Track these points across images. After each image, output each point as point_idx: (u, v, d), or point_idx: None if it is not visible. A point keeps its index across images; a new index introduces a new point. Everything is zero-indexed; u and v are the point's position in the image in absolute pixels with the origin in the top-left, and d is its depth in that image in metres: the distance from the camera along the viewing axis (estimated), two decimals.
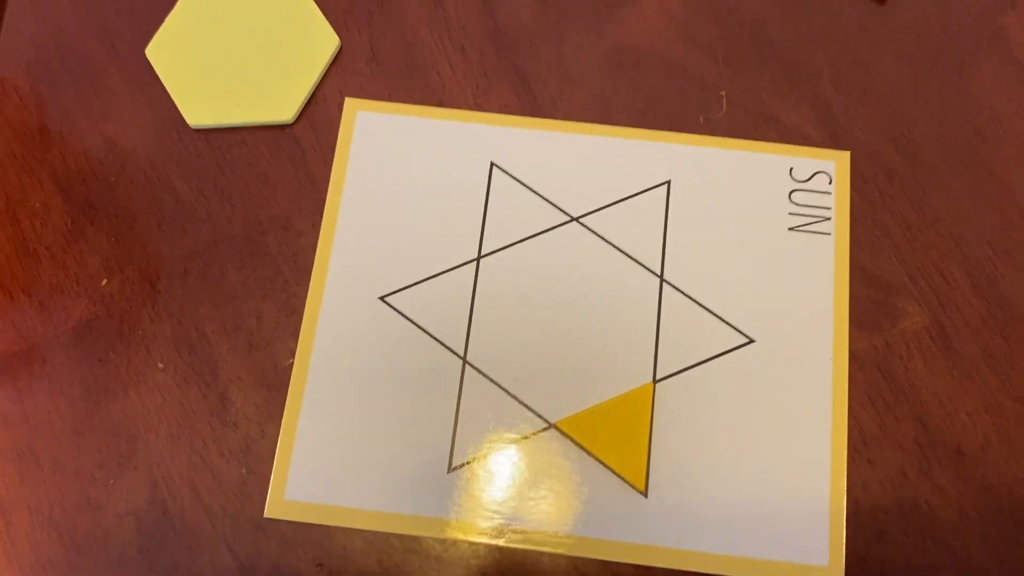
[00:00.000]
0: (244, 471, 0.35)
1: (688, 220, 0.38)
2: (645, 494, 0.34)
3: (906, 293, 0.37)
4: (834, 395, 0.35)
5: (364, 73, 0.40)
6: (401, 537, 0.35)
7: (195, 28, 0.40)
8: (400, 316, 0.36)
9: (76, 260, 0.38)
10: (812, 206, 0.38)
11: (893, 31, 0.41)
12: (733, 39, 0.41)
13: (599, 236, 0.37)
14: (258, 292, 0.37)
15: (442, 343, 0.36)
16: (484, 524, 0.34)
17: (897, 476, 0.35)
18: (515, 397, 0.35)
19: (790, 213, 0.38)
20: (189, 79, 0.40)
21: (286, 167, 0.39)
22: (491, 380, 0.36)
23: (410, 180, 0.38)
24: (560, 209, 0.38)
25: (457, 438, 0.35)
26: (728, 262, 0.37)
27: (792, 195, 0.38)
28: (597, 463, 0.35)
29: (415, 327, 0.36)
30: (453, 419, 0.35)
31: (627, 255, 0.37)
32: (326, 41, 0.40)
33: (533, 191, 0.38)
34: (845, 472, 0.34)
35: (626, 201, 0.38)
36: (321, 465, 0.35)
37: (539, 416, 0.35)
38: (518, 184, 0.38)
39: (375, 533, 0.34)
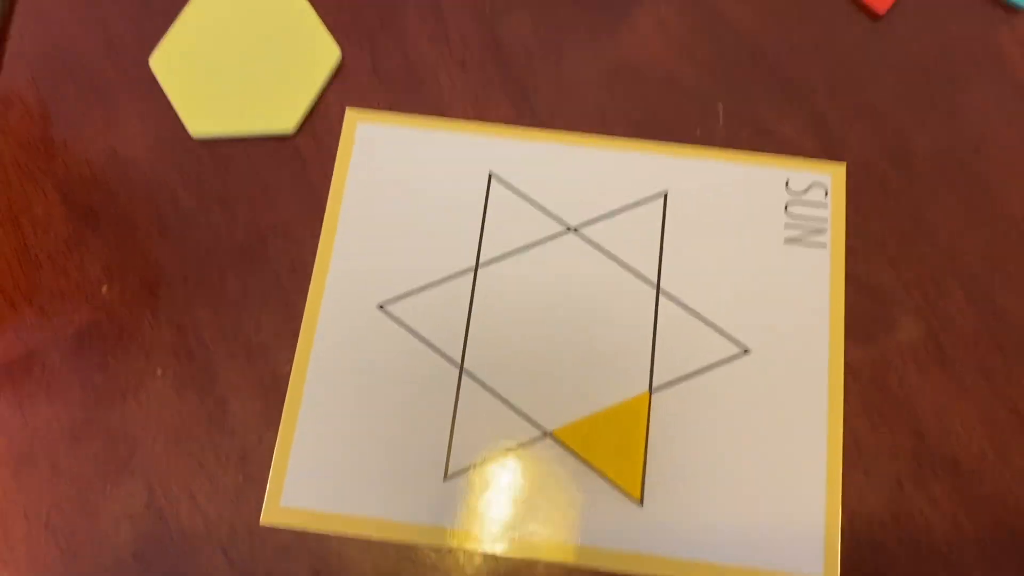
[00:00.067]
0: (241, 478, 0.35)
1: (685, 231, 0.38)
2: (641, 503, 0.34)
3: (901, 305, 0.37)
4: (829, 406, 0.35)
5: (365, 85, 0.41)
6: (397, 545, 0.35)
7: (198, 39, 0.41)
8: (398, 324, 0.37)
9: (77, 267, 0.38)
10: (808, 218, 0.38)
11: (888, 46, 0.41)
12: (730, 53, 0.41)
13: (596, 246, 0.38)
14: (257, 300, 0.38)
15: (439, 351, 0.36)
16: (480, 532, 0.34)
17: (892, 487, 0.35)
18: (512, 405, 0.35)
19: (786, 225, 0.38)
20: (192, 89, 0.40)
21: (287, 177, 0.39)
22: (488, 388, 0.36)
23: (409, 190, 0.39)
24: (558, 219, 0.38)
25: (453, 446, 0.35)
26: (724, 273, 0.37)
27: (788, 207, 0.38)
28: (593, 472, 0.35)
29: (413, 335, 0.36)
30: (450, 427, 0.35)
31: (624, 265, 0.37)
32: (328, 53, 0.41)
33: (531, 201, 0.38)
34: (840, 482, 0.34)
35: (623, 212, 0.38)
36: (318, 472, 0.35)
37: (535, 425, 0.35)
38: (516, 194, 0.38)
39: (371, 541, 0.35)
